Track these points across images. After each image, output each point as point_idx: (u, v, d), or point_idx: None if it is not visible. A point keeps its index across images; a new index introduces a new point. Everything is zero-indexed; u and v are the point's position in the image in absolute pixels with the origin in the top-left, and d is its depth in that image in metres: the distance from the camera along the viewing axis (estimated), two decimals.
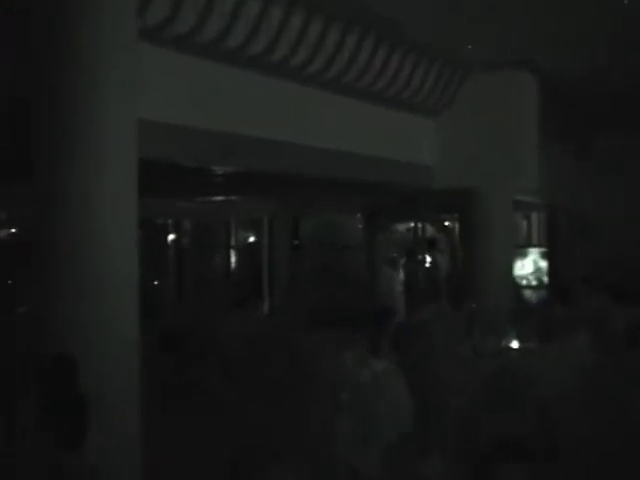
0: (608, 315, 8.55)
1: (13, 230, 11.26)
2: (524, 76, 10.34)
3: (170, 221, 16.31)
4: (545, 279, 15.13)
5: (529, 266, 15.45)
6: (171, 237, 16.44)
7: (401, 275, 15.20)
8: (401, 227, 16.60)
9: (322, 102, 8.53)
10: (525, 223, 16.47)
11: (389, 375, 4.03)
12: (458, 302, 8.76)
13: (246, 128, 7.54)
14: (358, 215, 15.55)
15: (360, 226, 15.45)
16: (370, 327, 5.72)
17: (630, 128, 13.97)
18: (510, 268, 11.06)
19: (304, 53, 7.67)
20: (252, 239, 17.60)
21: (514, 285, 12.04)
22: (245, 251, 17.17)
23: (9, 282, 10.23)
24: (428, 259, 15.45)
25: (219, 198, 14.36)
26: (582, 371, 5.95)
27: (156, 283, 15.50)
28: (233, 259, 17.02)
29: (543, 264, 15.30)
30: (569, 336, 6.68)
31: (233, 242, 17.04)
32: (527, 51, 9.58)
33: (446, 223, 15.98)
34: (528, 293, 14.59)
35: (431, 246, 15.18)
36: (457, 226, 15.15)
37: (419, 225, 16.03)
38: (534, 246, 15.84)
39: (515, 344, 7.85)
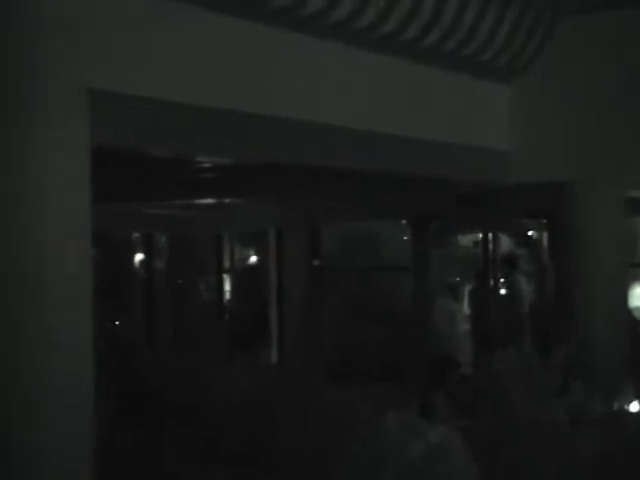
0: None
1: None
2: None
3: (137, 235, 16.39)
4: None
5: None
6: (139, 257, 16.52)
7: (466, 308, 15.17)
8: (465, 240, 16.60)
9: (346, 61, 8.54)
10: None
11: (450, 448, 4.00)
12: (549, 346, 8.70)
13: (241, 101, 7.57)
14: (403, 223, 15.56)
15: (406, 239, 15.45)
16: (422, 382, 5.69)
17: None
18: (624, 296, 11.02)
19: None
20: (254, 259, 17.65)
21: (631, 320, 11.98)
22: (244, 276, 17.21)
23: None
24: (505, 285, 15.41)
25: (207, 202, 14.44)
26: None
27: (117, 323, 15.57)
28: (227, 287, 17.07)
29: None
30: None
31: (227, 263, 17.10)
32: None
33: (530, 233, 15.95)
34: None
35: (509, 266, 15.15)
36: (546, 237, 15.12)
37: (491, 236, 16.00)
38: None
39: (636, 406, 7.81)
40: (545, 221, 14.55)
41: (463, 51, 9.50)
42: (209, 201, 14.39)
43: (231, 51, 7.36)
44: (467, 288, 15.60)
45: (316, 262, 15.49)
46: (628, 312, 11.84)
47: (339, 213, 15.10)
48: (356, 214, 15.09)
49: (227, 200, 14.41)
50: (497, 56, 9.97)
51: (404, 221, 15.40)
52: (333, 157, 8.90)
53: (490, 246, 16.00)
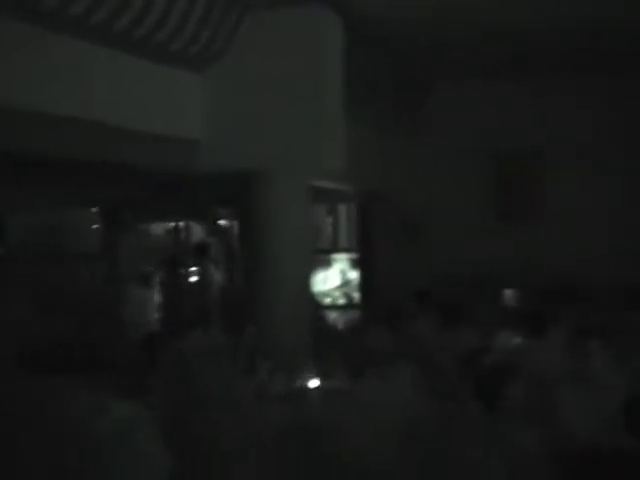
0: (435, 342, 9.20)
1: None
2: (326, 15, 10.70)
3: None
4: (356, 296, 15.75)
5: (335, 278, 16.03)
6: None
7: (157, 296, 15.25)
8: (158, 228, 16.64)
9: (21, 40, 8.36)
10: (330, 220, 16.92)
11: (137, 424, 4.14)
12: (236, 328, 8.98)
13: None
14: (94, 211, 15.40)
15: (96, 227, 15.30)
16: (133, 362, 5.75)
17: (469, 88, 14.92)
18: (307, 281, 11.39)
19: None
20: None
21: (313, 304, 12.45)
22: None
23: None
24: (196, 272, 15.60)
25: None
26: (406, 419, 6.27)
27: None
28: None
29: (354, 276, 15.91)
30: (389, 370, 7.06)
31: None
32: None
33: (220, 222, 16.21)
34: (333, 315, 15.14)
35: (200, 254, 15.36)
36: (236, 225, 15.44)
37: (182, 225, 16.14)
38: (342, 251, 16.38)
39: (315, 383, 8.16)
40: (234, 210, 14.87)
41: (153, 39, 9.57)
42: None
43: None
44: (159, 276, 15.67)
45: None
46: (312, 296, 12.31)
47: (24, 201, 14.72)
48: (43, 202, 14.76)
49: None
50: (188, 45, 10.10)
51: (95, 209, 15.24)
52: (21, 141, 8.71)
53: (182, 234, 16.15)
